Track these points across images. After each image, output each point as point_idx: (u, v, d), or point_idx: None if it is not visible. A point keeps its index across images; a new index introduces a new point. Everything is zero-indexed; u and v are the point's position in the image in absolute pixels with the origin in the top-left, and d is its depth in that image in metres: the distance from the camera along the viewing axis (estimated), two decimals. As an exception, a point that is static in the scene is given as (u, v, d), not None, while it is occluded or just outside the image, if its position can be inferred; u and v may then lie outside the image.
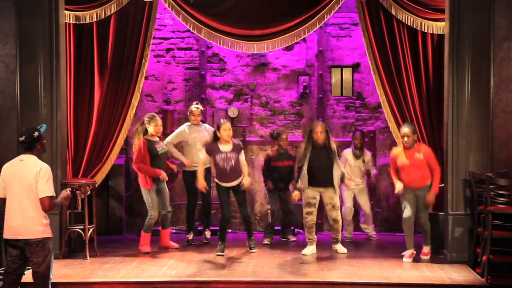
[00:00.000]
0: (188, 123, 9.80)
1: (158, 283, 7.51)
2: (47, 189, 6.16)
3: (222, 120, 8.88)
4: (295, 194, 8.99)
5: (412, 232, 8.60)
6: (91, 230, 8.83)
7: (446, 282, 7.50)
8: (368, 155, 10.22)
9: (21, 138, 6.27)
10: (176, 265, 8.30)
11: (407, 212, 8.55)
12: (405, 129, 8.50)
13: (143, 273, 7.86)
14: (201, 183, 8.89)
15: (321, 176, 8.77)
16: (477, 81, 8.67)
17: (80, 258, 8.71)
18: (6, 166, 6.31)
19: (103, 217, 10.81)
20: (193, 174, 9.40)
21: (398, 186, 8.53)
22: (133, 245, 9.58)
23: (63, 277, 7.64)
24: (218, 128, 8.78)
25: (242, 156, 8.86)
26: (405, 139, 8.46)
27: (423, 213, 8.65)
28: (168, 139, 9.70)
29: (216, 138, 8.86)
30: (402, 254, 8.65)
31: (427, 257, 8.71)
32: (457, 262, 8.50)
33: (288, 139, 9.97)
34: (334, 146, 8.83)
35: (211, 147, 8.82)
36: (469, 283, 7.48)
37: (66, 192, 6.51)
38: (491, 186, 8.05)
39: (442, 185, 8.78)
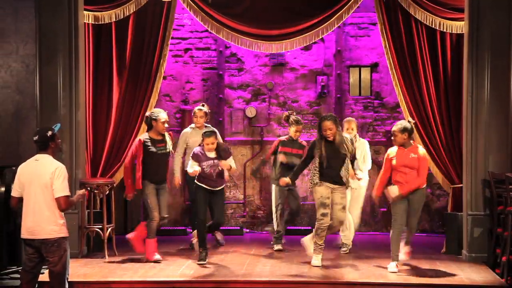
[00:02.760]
0: (192, 125, 9.50)
1: (176, 283, 7.52)
2: (63, 189, 6.17)
3: (207, 132, 8.28)
4: (284, 180, 8.38)
5: (399, 243, 7.99)
6: (109, 230, 8.86)
7: (465, 282, 7.45)
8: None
9: (35, 138, 6.27)
10: (194, 265, 8.31)
11: (397, 223, 7.94)
12: (393, 128, 7.98)
13: (161, 273, 7.88)
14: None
15: (333, 173, 8.12)
16: (496, 80, 8.62)
17: (98, 257, 8.75)
18: (22, 166, 6.33)
19: (121, 217, 10.85)
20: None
21: (394, 190, 7.82)
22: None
23: (82, 276, 7.67)
24: (203, 137, 8.26)
25: (231, 161, 8.36)
26: (392, 137, 8.00)
27: (414, 218, 7.99)
28: (177, 149, 9.30)
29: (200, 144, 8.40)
30: (386, 267, 8.04)
31: (409, 257, 8.16)
32: (476, 262, 8.46)
33: (298, 131, 9.19)
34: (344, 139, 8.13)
35: (196, 154, 8.31)
36: (489, 284, 7.43)
37: (82, 190, 6.55)
38: (511, 187, 7.99)
39: (456, 186, 8.71)
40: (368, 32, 11.28)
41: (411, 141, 7.99)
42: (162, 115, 8.55)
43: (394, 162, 7.91)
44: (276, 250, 9.21)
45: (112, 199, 9.17)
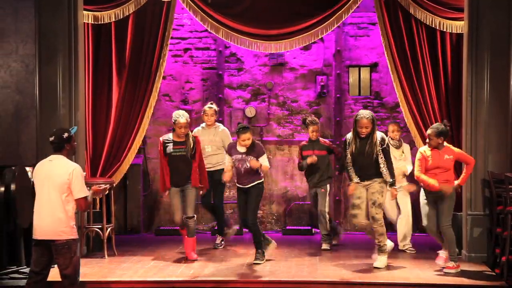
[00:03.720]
0: (203, 124, 9.56)
1: (176, 283, 7.52)
2: (83, 190, 6.20)
3: (241, 128, 8.32)
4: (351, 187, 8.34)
5: (440, 234, 8.06)
6: (109, 230, 8.87)
7: (465, 282, 7.46)
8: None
9: (51, 139, 6.27)
10: (193, 264, 8.32)
11: (429, 219, 8.07)
12: (428, 131, 8.04)
13: (161, 273, 7.88)
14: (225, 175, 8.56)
15: (364, 170, 8.11)
16: (496, 80, 8.62)
17: (98, 257, 8.75)
18: (36, 167, 6.34)
19: (121, 217, 10.86)
20: (211, 173, 9.28)
21: (434, 182, 7.85)
22: (151, 244, 9.62)
23: (82, 276, 7.58)
24: (238, 134, 8.33)
25: (262, 159, 8.38)
26: (427, 140, 8.04)
27: (443, 217, 7.96)
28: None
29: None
30: (438, 252, 8.34)
31: (453, 271, 7.87)
32: (476, 262, 8.46)
33: (315, 131, 9.33)
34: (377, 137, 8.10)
35: (230, 145, 8.59)
36: (488, 284, 7.44)
37: (94, 187, 6.59)
38: (510, 186, 7.99)
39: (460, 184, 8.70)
40: (367, 32, 11.28)
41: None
42: (179, 119, 8.59)
43: (429, 163, 7.94)
44: (323, 249, 9.33)
45: (112, 199, 9.18)
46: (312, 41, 9.79)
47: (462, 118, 8.89)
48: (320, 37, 9.76)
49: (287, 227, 10.96)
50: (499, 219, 8.22)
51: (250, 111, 11.25)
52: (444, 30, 9.18)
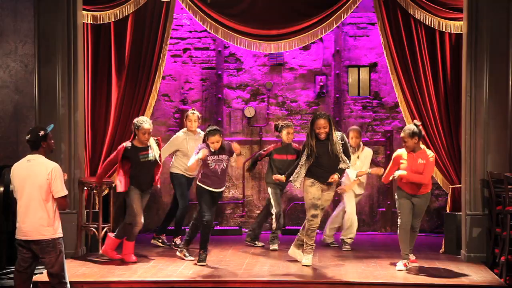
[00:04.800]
0: (184, 129, 9.41)
1: (175, 283, 7.52)
2: (63, 189, 6.19)
3: (210, 130, 8.15)
4: (279, 177, 8.51)
5: (408, 239, 8.07)
6: (105, 229, 8.86)
7: (464, 282, 7.46)
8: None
9: (27, 137, 6.25)
10: (193, 265, 8.31)
11: (404, 218, 7.97)
12: (401, 134, 7.98)
13: (160, 273, 7.88)
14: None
15: (324, 173, 8.03)
16: (495, 80, 8.63)
17: (96, 257, 8.74)
18: (14, 168, 6.30)
19: (120, 217, 10.84)
20: (183, 177, 9.26)
21: (399, 172, 7.85)
22: (150, 244, 9.61)
23: (81, 276, 7.67)
24: (207, 136, 8.16)
25: (234, 158, 8.40)
26: (403, 143, 7.96)
27: (417, 220, 8.09)
28: (162, 150, 8.97)
29: (205, 140, 8.32)
30: (394, 263, 8.20)
31: (417, 264, 8.18)
32: (475, 262, 8.47)
33: (290, 133, 9.29)
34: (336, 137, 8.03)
35: (202, 146, 8.24)
36: (487, 284, 7.44)
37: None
38: (509, 186, 8.00)
39: (459, 186, 8.72)
40: (367, 32, 11.28)
41: (420, 145, 7.98)
42: (144, 125, 8.35)
43: (403, 166, 7.90)
44: (272, 250, 9.30)
45: (110, 199, 9.17)
46: (312, 41, 9.80)
47: (461, 118, 8.89)
48: (319, 37, 9.78)
49: (286, 227, 10.96)
50: (498, 219, 8.23)
51: (249, 111, 11.25)
52: (443, 30, 9.19)
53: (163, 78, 10.61)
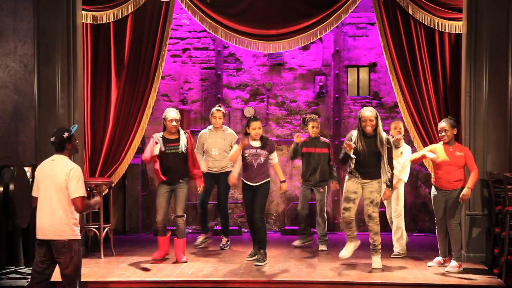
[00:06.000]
0: (210, 127, 9.51)
1: (174, 283, 7.52)
2: (79, 190, 6.15)
3: (251, 117, 8.47)
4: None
5: (442, 238, 8.18)
6: (106, 229, 8.86)
7: (464, 282, 7.47)
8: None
9: (52, 139, 6.26)
10: (192, 264, 8.32)
11: (440, 215, 8.11)
12: (442, 124, 8.10)
13: (159, 273, 7.88)
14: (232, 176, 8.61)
15: (367, 168, 8.04)
16: (494, 80, 8.63)
17: (96, 257, 8.74)
18: (39, 166, 6.33)
19: (120, 217, 10.86)
20: (207, 174, 9.25)
21: (431, 155, 7.99)
22: (150, 244, 9.61)
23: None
24: (247, 124, 8.46)
25: (274, 155, 8.49)
26: (443, 133, 8.06)
27: (452, 217, 8.05)
28: (196, 148, 9.18)
29: (247, 133, 8.52)
30: (429, 264, 8.29)
31: (458, 269, 7.95)
32: (475, 262, 8.47)
33: (315, 127, 9.39)
34: (383, 136, 8.02)
35: (241, 138, 8.52)
36: (487, 284, 7.45)
37: (99, 198, 6.60)
38: (509, 186, 8.00)
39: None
40: (366, 32, 11.29)
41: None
42: (170, 113, 8.65)
43: (441, 158, 8.02)
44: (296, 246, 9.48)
45: (110, 199, 9.17)
46: (311, 41, 9.78)
47: (461, 118, 8.89)
48: (319, 37, 9.77)
49: (286, 227, 10.97)
50: (498, 219, 8.22)
51: (248, 111, 11.25)
52: (443, 30, 9.18)
53: (163, 78, 10.61)
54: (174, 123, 8.58)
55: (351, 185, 8.08)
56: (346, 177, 8.19)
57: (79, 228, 6.30)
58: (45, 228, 6.15)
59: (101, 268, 8.15)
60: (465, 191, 7.92)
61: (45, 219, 6.16)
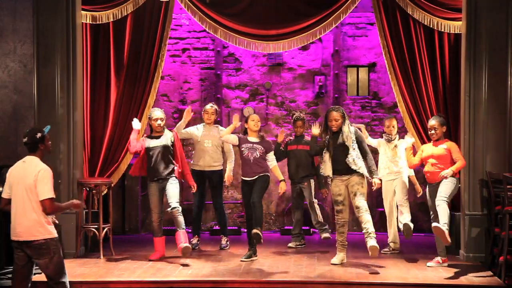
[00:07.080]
0: (203, 123, 9.55)
1: (174, 283, 7.52)
2: (47, 191, 6.07)
3: (249, 112, 8.58)
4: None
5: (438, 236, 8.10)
6: (105, 230, 8.86)
7: (463, 282, 7.46)
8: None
9: (24, 139, 6.20)
10: (191, 264, 8.31)
11: (434, 210, 8.11)
12: (432, 121, 8.21)
13: (159, 273, 7.88)
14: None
15: (340, 165, 8.16)
16: (494, 80, 8.64)
17: (95, 257, 8.74)
18: (11, 168, 6.27)
19: (119, 217, 10.86)
20: (200, 174, 9.29)
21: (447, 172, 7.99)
22: (149, 244, 9.58)
23: (79, 276, 7.67)
24: (246, 119, 8.63)
25: (271, 155, 8.57)
26: (432, 131, 8.18)
27: (437, 197, 8.01)
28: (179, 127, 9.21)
29: (246, 132, 8.65)
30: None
31: (446, 264, 8.21)
32: (474, 262, 8.47)
33: (299, 127, 9.51)
34: (346, 130, 8.15)
35: (240, 136, 8.60)
36: (486, 284, 7.44)
37: (78, 201, 6.44)
38: (508, 186, 8.00)
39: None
40: (366, 32, 11.29)
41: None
42: (155, 113, 8.67)
43: (426, 153, 8.20)
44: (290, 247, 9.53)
45: (110, 199, 9.17)
46: (311, 41, 9.79)
47: (460, 118, 8.90)
48: (318, 37, 9.78)
49: (285, 227, 10.97)
50: (497, 219, 8.23)
51: (248, 111, 11.24)
52: (442, 30, 9.19)
53: (162, 78, 10.62)
54: (159, 122, 8.61)
55: (334, 187, 8.26)
56: (329, 182, 8.38)
57: (52, 226, 6.23)
58: (20, 230, 6.11)
59: (101, 268, 8.15)
60: (447, 170, 7.98)
61: (18, 221, 6.12)
